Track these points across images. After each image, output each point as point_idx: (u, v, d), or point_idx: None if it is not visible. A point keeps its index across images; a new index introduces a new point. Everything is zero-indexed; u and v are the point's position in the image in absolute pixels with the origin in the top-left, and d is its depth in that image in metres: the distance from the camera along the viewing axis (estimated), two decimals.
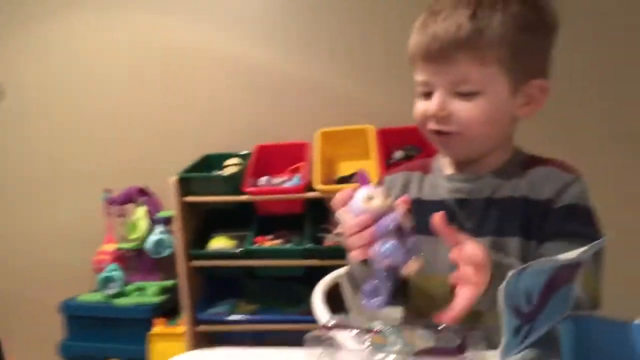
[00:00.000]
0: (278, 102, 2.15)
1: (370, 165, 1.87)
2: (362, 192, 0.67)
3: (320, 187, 1.77)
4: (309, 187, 1.81)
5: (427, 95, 0.79)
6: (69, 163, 2.31)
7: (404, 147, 1.91)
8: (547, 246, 0.76)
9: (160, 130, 2.23)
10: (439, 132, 0.79)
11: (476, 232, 0.78)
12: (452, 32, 0.74)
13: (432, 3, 0.80)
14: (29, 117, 2.34)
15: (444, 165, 0.90)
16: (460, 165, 0.87)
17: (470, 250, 0.64)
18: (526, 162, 0.84)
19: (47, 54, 2.30)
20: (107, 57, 2.25)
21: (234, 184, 1.86)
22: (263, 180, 1.93)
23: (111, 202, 2.13)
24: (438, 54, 0.75)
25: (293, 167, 2.00)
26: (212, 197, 1.86)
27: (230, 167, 2.00)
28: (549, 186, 0.78)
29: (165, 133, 2.22)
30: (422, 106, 0.80)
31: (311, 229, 1.86)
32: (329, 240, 1.84)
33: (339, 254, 1.77)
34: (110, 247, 2.10)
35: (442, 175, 0.89)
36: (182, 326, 1.87)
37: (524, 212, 0.79)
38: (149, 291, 2.02)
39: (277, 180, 1.97)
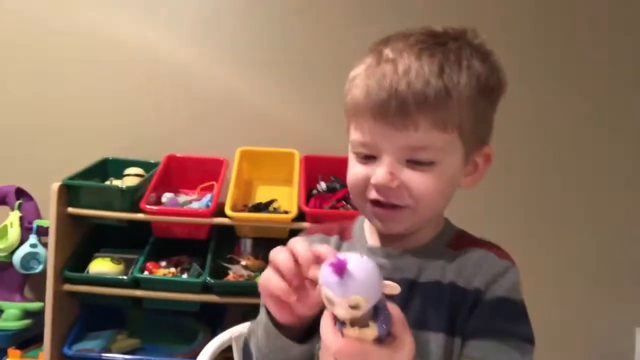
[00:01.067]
0: (198, 110, 1.91)
1: (292, 193, 1.67)
2: (328, 283, 0.46)
3: (231, 213, 1.54)
4: (218, 212, 1.58)
5: (367, 158, 0.65)
6: None
7: (328, 178, 1.73)
8: (472, 345, 0.63)
9: (52, 125, 1.89)
10: (382, 205, 0.65)
11: None
12: (418, 90, 0.60)
13: (378, 44, 0.66)
14: None
15: (366, 233, 0.75)
16: (384, 236, 0.72)
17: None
18: (455, 240, 0.72)
19: None
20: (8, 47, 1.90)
21: (130, 197, 1.59)
22: (167, 196, 1.67)
23: None
24: (395, 115, 0.61)
25: (205, 185, 1.76)
26: (101, 212, 1.57)
27: (130, 178, 1.73)
28: (480, 274, 0.66)
29: (59, 128, 1.89)
30: (361, 171, 0.66)
31: (214, 258, 1.62)
32: (233, 273, 1.61)
33: (242, 290, 1.58)
34: None
35: (363, 246, 0.74)
36: None
37: (451, 301, 0.66)
38: (9, 314, 1.67)
39: (183, 198, 1.72)
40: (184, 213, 1.57)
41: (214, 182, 1.72)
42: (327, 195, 1.67)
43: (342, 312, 0.45)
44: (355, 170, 0.67)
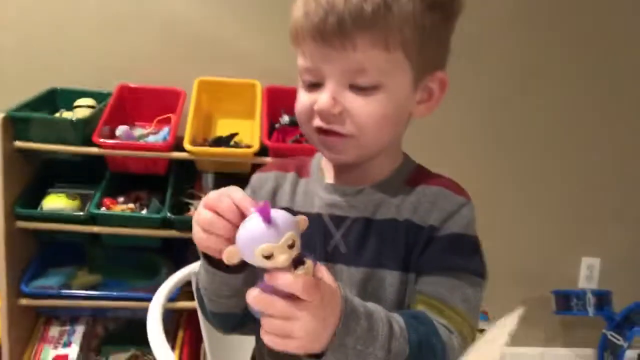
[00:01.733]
0: (153, 37, 1.78)
1: (254, 126, 1.62)
2: (260, 235, 0.45)
3: (190, 147, 1.48)
4: (177, 146, 1.52)
5: (314, 86, 0.62)
6: None
7: (292, 111, 1.67)
8: (425, 281, 0.63)
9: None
10: (326, 132, 0.63)
11: (351, 260, 0.65)
12: (354, 4, 0.56)
13: None
14: None
15: (324, 168, 0.73)
16: (340, 172, 0.70)
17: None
18: (413, 176, 0.70)
19: None
20: None
21: (82, 130, 1.50)
22: (122, 129, 1.59)
23: None
24: (333, 34, 0.57)
25: (162, 117, 1.68)
26: (51, 146, 1.48)
27: (82, 110, 1.63)
28: (436, 210, 0.66)
29: (3, 55, 1.75)
30: (307, 99, 0.63)
31: (174, 194, 1.58)
32: (195, 209, 1.58)
33: None
34: None
35: (320, 183, 0.71)
36: None
37: (406, 239, 0.65)
38: None
39: (139, 131, 1.64)
40: (140, 147, 1.51)
41: (171, 115, 1.65)
42: (291, 129, 1.63)
43: (284, 257, 0.45)
44: (302, 99, 0.64)
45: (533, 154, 2.01)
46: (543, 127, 2.00)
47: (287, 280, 0.45)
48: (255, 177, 0.77)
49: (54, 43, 1.75)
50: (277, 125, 1.65)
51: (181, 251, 1.65)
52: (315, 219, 0.68)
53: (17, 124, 1.47)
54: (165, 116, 1.67)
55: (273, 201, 0.73)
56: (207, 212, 0.52)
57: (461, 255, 0.64)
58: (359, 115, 0.60)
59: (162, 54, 1.78)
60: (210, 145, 1.57)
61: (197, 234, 0.54)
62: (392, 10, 0.57)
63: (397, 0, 0.57)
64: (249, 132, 1.64)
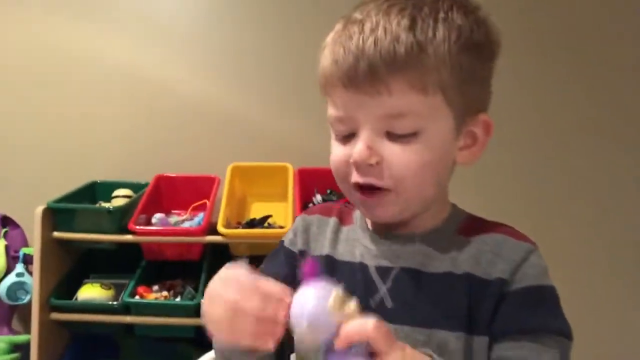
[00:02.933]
0: (187, 128, 1.85)
1: (287, 208, 1.61)
2: (323, 293, 0.49)
3: (223, 230, 1.47)
4: (211, 230, 1.52)
5: (348, 137, 0.59)
6: None
7: (324, 190, 1.67)
8: (505, 346, 0.55)
9: (36, 149, 1.84)
10: (365, 190, 0.58)
11: (399, 317, 0.58)
12: (386, 47, 0.53)
13: (350, 11, 0.59)
14: None
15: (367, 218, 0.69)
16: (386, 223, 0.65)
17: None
18: (465, 225, 0.64)
19: None
20: None
21: (118, 219, 1.52)
22: (157, 217, 1.61)
23: None
24: (365, 78, 0.54)
25: (197, 204, 1.70)
26: (87, 235, 1.50)
27: (118, 199, 1.67)
28: (500, 260, 0.58)
29: (46, 152, 1.84)
30: (342, 152, 0.59)
31: (208, 280, 1.54)
32: None
33: None
34: None
35: (363, 231, 0.67)
36: None
37: (468, 295, 0.58)
38: None
39: (174, 219, 1.66)
40: (174, 232, 1.51)
41: (205, 201, 1.66)
42: None
43: (353, 303, 0.49)
44: (336, 151, 0.60)
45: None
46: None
47: (367, 325, 0.46)
48: (299, 220, 0.73)
49: (94, 138, 1.83)
50: (310, 205, 1.64)
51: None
52: (357, 270, 0.64)
53: (56, 215, 1.51)
54: (200, 202, 1.69)
55: (314, 247, 0.69)
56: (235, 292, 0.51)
57: (542, 313, 0.56)
58: (398, 165, 0.56)
59: (196, 143, 1.84)
60: (244, 228, 1.55)
61: (221, 315, 0.51)
62: (426, 50, 0.54)
63: (431, 41, 0.54)
64: (283, 213, 1.63)
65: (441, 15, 0.55)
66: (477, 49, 0.57)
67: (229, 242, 1.52)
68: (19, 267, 1.63)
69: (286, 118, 1.84)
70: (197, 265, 1.58)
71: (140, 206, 1.58)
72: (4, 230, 1.70)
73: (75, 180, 1.72)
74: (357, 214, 0.70)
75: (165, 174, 1.74)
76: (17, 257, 1.65)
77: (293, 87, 1.81)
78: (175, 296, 1.55)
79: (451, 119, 0.57)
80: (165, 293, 1.53)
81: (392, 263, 0.62)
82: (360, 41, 0.54)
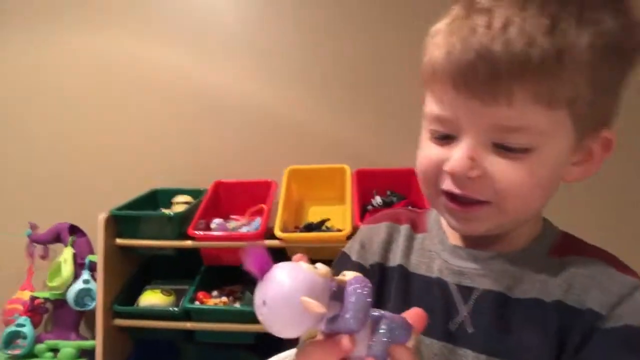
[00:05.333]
0: (244, 134, 1.84)
1: (345, 210, 1.55)
2: (295, 268, 0.40)
3: (281, 234, 1.44)
4: (268, 235, 1.49)
5: (444, 139, 0.51)
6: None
7: (384, 192, 1.61)
8: None
9: (101, 159, 1.89)
10: (456, 199, 0.51)
11: (481, 344, 0.53)
12: (517, 51, 0.44)
13: None
14: None
15: (444, 226, 0.61)
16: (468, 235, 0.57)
17: None
18: (558, 245, 0.55)
19: None
20: (41, 78, 1.92)
21: (178, 225, 1.52)
22: (216, 222, 1.60)
23: (35, 239, 1.78)
24: (484, 82, 0.45)
25: (254, 208, 1.68)
26: (147, 241, 1.51)
27: (178, 206, 1.68)
28: (596, 290, 0.50)
29: (108, 162, 1.89)
30: (435, 154, 0.51)
31: None
32: None
33: None
34: (26, 295, 1.73)
35: (442, 242, 0.59)
36: None
37: (560, 327, 0.50)
38: (64, 353, 1.63)
39: (233, 224, 1.64)
40: (231, 237, 1.49)
41: (262, 206, 1.64)
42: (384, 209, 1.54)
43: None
44: (428, 152, 0.52)
45: None
46: None
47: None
48: (365, 230, 0.67)
49: (152, 147, 1.87)
50: (369, 207, 1.58)
51: (275, 348, 1.54)
52: (435, 286, 0.57)
53: (119, 222, 1.53)
54: (257, 207, 1.67)
55: (385, 256, 0.62)
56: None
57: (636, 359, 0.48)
58: (502, 182, 0.48)
59: (253, 148, 1.83)
60: (301, 232, 1.51)
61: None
62: (564, 59, 0.44)
63: (572, 48, 0.44)
64: (341, 216, 1.58)
65: (587, 14, 0.45)
66: (622, 58, 0.48)
67: (286, 246, 1.48)
68: (85, 274, 1.67)
69: (342, 119, 1.79)
70: None
71: (199, 212, 1.58)
72: (71, 238, 1.74)
73: (138, 188, 1.75)
74: (431, 221, 0.63)
75: (223, 180, 1.74)
76: (84, 265, 1.70)
77: (348, 86, 1.76)
78: (234, 301, 1.53)
79: (572, 136, 0.49)
80: (224, 299, 1.52)
81: (475, 283, 0.55)
82: (487, 38, 0.45)
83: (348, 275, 0.42)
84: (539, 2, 0.45)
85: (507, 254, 0.54)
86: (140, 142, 1.88)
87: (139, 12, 1.85)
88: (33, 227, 1.79)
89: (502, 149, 0.47)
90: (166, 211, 1.67)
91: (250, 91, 1.82)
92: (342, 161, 1.69)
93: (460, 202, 0.51)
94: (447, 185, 0.50)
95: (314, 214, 1.67)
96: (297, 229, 1.55)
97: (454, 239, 0.59)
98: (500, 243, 0.55)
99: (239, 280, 1.60)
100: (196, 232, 1.48)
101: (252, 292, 1.51)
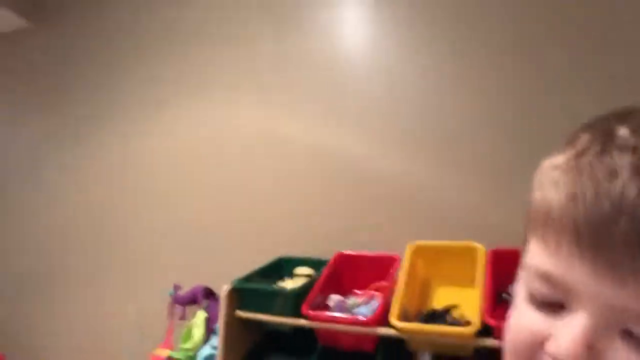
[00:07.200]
0: (369, 205, 1.76)
1: (474, 296, 1.35)
2: None
3: (396, 323, 1.29)
4: (387, 320, 1.35)
5: (552, 306, 0.37)
6: (144, 254, 2.18)
7: None
8: None
9: (239, 225, 1.98)
10: None
11: None
12: None
13: (606, 119, 0.38)
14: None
15: None
16: None
17: None
18: None
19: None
20: (190, 152, 2.12)
21: (294, 300, 1.48)
22: (334, 299, 1.52)
23: (176, 300, 1.90)
24: (625, 244, 0.33)
25: (377, 284, 1.57)
26: (263, 316, 1.49)
27: (299, 279, 1.64)
28: None
29: (242, 229, 1.96)
30: (534, 323, 0.38)
31: None
32: None
33: None
34: (164, 352, 1.84)
35: None
36: None
37: None
38: None
39: (352, 301, 1.54)
40: (342, 321, 1.39)
41: (384, 282, 1.52)
42: None
43: None
44: (525, 321, 0.39)
45: None
46: None
47: None
48: None
49: (283, 216, 1.88)
50: (504, 296, 1.34)
51: None
52: None
53: (239, 293, 1.55)
54: (379, 284, 1.55)
55: None
56: None
57: None
58: None
59: (379, 219, 1.73)
60: (423, 321, 1.34)
61: None
62: None
63: None
64: (471, 303, 1.37)
65: None
66: None
67: (404, 336, 1.33)
68: (214, 340, 1.72)
69: (478, 190, 1.59)
70: (373, 355, 1.43)
71: (318, 286, 1.52)
72: (205, 302, 1.82)
73: (266, 255, 1.77)
74: None
75: (344, 252, 1.67)
76: (214, 330, 1.75)
77: (483, 155, 1.57)
78: None
79: None
80: None
81: None
82: (632, 186, 0.33)
83: None
84: None
85: None
86: (272, 210, 1.92)
87: (284, 84, 1.93)
88: (176, 287, 1.92)
89: (634, 339, 0.34)
90: (289, 283, 1.65)
91: (376, 161, 1.75)
92: (475, 238, 1.49)
93: None
94: None
95: (440, 297, 1.49)
96: (419, 315, 1.39)
97: None
98: None
99: None
100: (310, 310, 1.42)
101: None
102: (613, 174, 0.33)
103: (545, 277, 0.37)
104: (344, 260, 1.66)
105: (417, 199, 1.67)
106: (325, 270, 1.60)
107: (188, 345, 1.75)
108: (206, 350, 1.70)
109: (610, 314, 0.34)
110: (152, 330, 2.00)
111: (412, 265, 1.50)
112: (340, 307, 1.50)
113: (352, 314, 1.45)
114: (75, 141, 2.40)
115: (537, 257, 0.38)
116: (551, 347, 0.35)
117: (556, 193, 0.36)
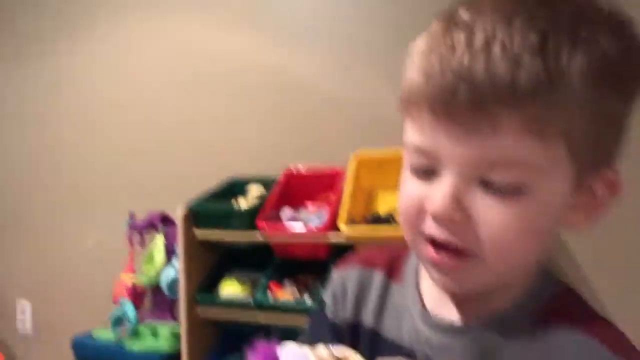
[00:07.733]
0: (317, 120, 1.81)
1: None
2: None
3: (345, 229, 1.39)
4: (335, 227, 1.45)
5: (426, 173, 0.43)
6: (98, 186, 2.18)
7: None
8: None
9: (186, 148, 2.00)
10: (439, 248, 0.43)
11: None
12: (502, 72, 0.37)
13: (456, 3, 0.43)
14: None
15: (420, 274, 0.53)
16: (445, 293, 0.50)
17: None
18: (546, 309, 0.46)
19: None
20: (129, 70, 2.08)
21: (250, 217, 1.55)
22: (287, 213, 1.60)
23: (133, 227, 1.94)
24: (465, 108, 0.39)
25: (325, 196, 1.65)
26: (221, 234, 1.57)
27: (252, 197, 1.70)
28: None
29: (192, 151, 1.99)
30: (416, 192, 0.44)
31: None
32: None
33: None
34: (128, 278, 1.90)
35: (414, 300, 0.51)
36: None
37: None
38: (162, 334, 1.78)
39: (304, 214, 1.63)
40: (293, 233, 1.48)
41: (331, 194, 1.60)
42: None
43: None
44: (409, 189, 0.44)
45: None
46: None
47: None
48: (336, 277, 0.59)
49: (226, 137, 1.92)
50: None
51: None
52: (405, 356, 0.49)
53: (196, 214, 1.60)
54: (326, 196, 1.63)
55: (358, 312, 0.55)
56: None
57: None
58: (492, 227, 0.40)
59: (327, 134, 1.79)
60: (368, 224, 1.45)
61: None
62: (557, 83, 0.37)
63: (567, 70, 0.38)
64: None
65: (583, 34, 0.38)
66: (624, 87, 0.41)
67: (352, 242, 1.44)
68: (175, 262, 1.78)
69: None
70: (327, 261, 1.54)
71: (270, 202, 1.59)
72: (162, 227, 1.87)
73: (217, 175, 1.81)
74: (408, 270, 0.54)
75: (292, 169, 1.73)
76: (171, 253, 1.81)
77: None
78: (305, 292, 1.53)
79: (570, 174, 0.41)
80: (294, 289, 1.53)
81: (445, 355, 0.47)
82: (466, 57, 0.38)
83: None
84: (525, 17, 0.38)
85: (483, 321, 0.46)
86: (220, 130, 1.94)
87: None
88: (131, 216, 1.95)
89: (490, 188, 0.40)
90: (243, 201, 1.70)
91: (329, 82, 1.79)
92: None
93: (441, 251, 0.42)
94: (429, 228, 0.43)
95: (384, 204, 1.59)
96: (365, 220, 1.49)
97: (427, 296, 0.51)
98: (483, 301, 0.46)
99: (312, 270, 1.60)
100: (263, 225, 1.50)
101: (323, 284, 1.51)
102: (452, 49, 0.39)
103: (418, 150, 0.43)
104: (293, 177, 1.72)
105: (360, 111, 1.73)
106: (276, 187, 1.67)
107: (148, 270, 1.82)
108: (170, 272, 1.78)
109: (468, 168, 0.40)
110: (113, 260, 2.05)
111: (357, 175, 1.58)
112: (293, 220, 1.58)
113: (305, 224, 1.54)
114: (15, 63, 2.31)
115: (409, 133, 0.44)
116: (429, 206, 0.42)
117: (413, 73, 0.42)
